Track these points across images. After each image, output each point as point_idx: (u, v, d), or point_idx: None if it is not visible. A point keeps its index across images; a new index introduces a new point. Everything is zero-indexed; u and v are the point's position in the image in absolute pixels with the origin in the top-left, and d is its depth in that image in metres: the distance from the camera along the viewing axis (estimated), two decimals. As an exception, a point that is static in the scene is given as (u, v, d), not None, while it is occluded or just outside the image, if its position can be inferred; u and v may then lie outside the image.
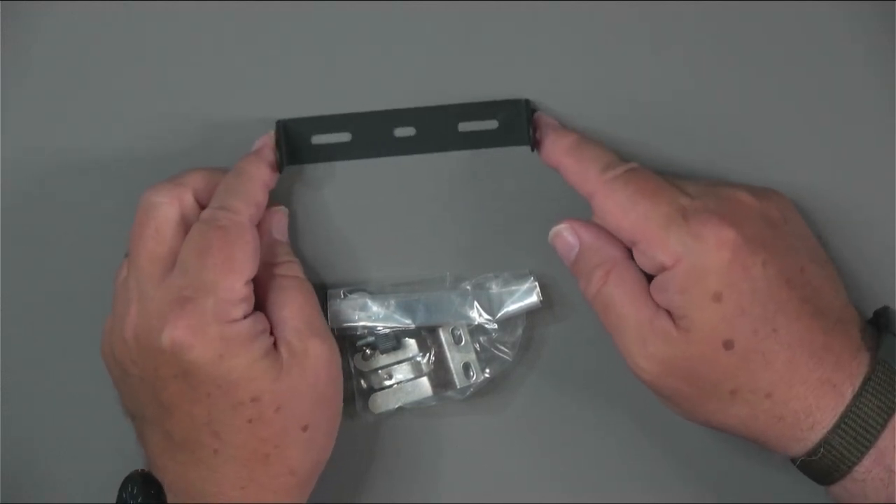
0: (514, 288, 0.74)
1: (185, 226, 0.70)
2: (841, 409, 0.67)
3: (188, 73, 0.76)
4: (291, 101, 0.75)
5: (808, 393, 0.67)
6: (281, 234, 0.74)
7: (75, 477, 0.76)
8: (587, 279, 0.70)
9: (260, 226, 0.71)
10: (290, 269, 0.72)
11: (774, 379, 0.67)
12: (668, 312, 0.68)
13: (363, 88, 0.75)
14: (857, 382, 0.67)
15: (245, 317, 0.68)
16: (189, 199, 0.71)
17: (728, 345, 0.67)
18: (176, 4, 0.75)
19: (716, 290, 0.66)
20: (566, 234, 0.71)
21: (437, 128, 0.75)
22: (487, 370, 0.75)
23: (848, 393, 0.67)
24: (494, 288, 0.75)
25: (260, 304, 0.70)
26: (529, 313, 0.75)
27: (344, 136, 0.76)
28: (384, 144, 0.76)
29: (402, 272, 0.76)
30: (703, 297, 0.67)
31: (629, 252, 0.70)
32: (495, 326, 0.75)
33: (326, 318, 0.73)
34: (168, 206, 0.70)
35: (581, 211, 0.73)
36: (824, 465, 0.67)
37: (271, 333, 0.70)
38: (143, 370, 0.69)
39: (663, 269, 0.67)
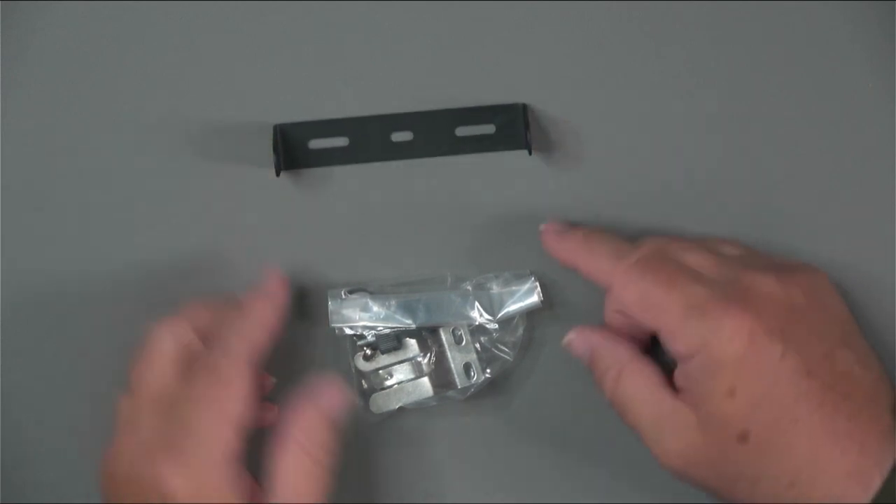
0: (514, 288, 0.74)
1: (184, 362, 0.69)
2: (870, 495, 0.65)
3: (185, 77, 0.76)
4: (288, 105, 0.75)
5: (833, 485, 0.65)
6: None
7: (75, 477, 0.76)
8: (603, 381, 0.71)
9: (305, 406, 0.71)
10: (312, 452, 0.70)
11: (796, 468, 0.66)
12: (687, 401, 0.68)
13: (360, 93, 0.75)
14: (886, 468, 0.65)
15: (231, 462, 0.68)
16: (188, 336, 0.70)
17: (743, 438, 0.66)
18: (174, 8, 0.75)
19: (730, 385, 0.66)
20: (577, 343, 0.72)
21: (435, 132, 0.75)
22: (488, 370, 0.75)
23: (875, 482, 0.65)
24: (495, 288, 0.75)
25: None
26: (530, 313, 0.75)
27: (341, 141, 0.76)
28: (381, 149, 0.76)
29: (400, 277, 0.76)
30: (717, 391, 0.66)
31: (642, 346, 0.71)
32: (496, 326, 0.75)
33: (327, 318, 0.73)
34: (168, 343, 0.70)
35: (581, 212, 0.73)
36: None
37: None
38: (134, 499, 0.68)
39: (680, 357, 0.68)
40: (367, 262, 0.76)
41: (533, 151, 0.74)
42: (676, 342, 0.67)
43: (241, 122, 0.75)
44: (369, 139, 0.75)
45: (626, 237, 0.72)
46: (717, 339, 0.66)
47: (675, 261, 0.70)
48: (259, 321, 0.71)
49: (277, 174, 0.74)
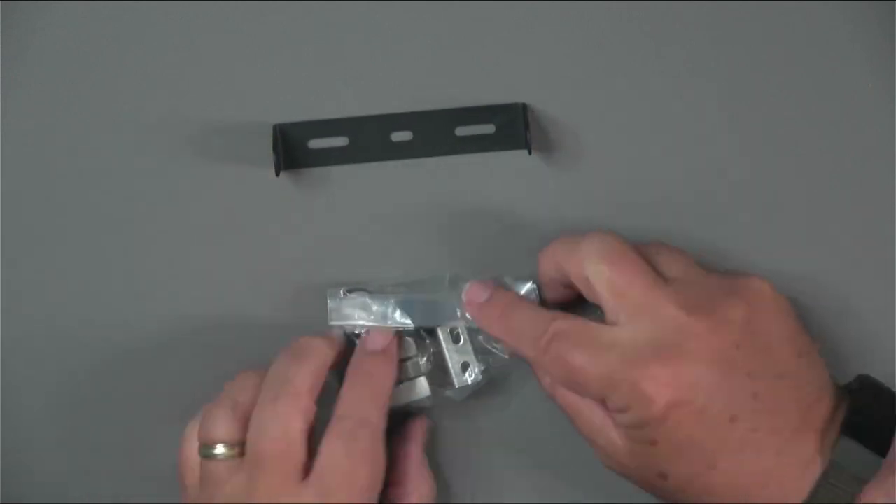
0: (513, 290, 0.74)
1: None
2: None
3: (185, 76, 0.76)
4: (288, 105, 0.75)
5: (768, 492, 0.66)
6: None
7: (75, 477, 0.76)
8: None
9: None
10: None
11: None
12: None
13: (360, 93, 0.76)
14: (813, 480, 0.66)
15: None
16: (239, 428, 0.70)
17: (663, 476, 0.67)
18: (174, 8, 0.75)
19: (651, 438, 0.67)
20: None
21: (435, 132, 0.75)
22: (485, 370, 0.75)
23: (805, 489, 0.66)
24: None
25: None
26: None
27: (341, 141, 0.76)
28: (381, 149, 0.76)
29: (400, 277, 0.76)
30: (640, 440, 0.67)
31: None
32: None
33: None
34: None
35: (580, 212, 0.73)
36: None
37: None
38: None
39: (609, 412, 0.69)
40: (367, 261, 0.76)
41: (533, 151, 0.74)
42: (607, 403, 0.68)
43: (241, 122, 0.75)
44: (369, 139, 0.76)
45: (625, 237, 0.72)
46: (637, 404, 0.66)
47: (589, 326, 0.69)
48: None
49: (277, 174, 0.74)
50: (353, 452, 0.68)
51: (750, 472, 0.66)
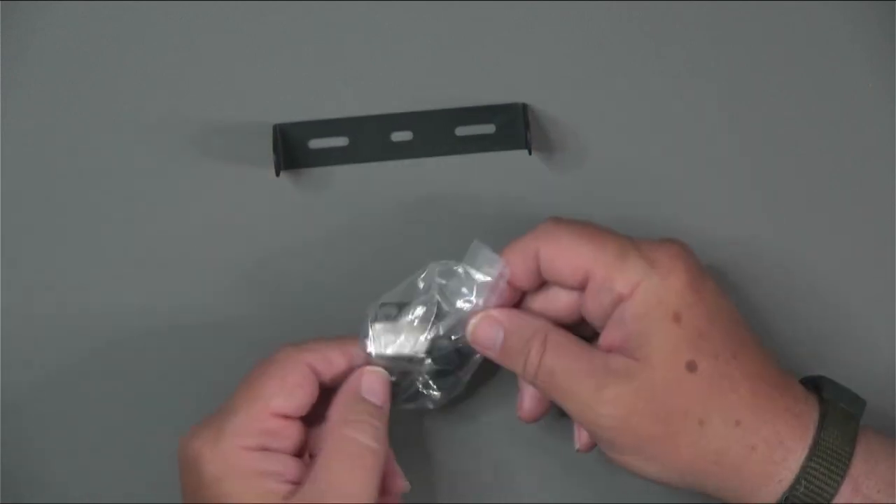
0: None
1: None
2: (809, 439, 0.67)
3: (186, 76, 0.76)
4: (288, 105, 0.75)
5: (776, 419, 0.67)
6: (372, 395, 0.69)
7: (75, 477, 0.76)
8: (524, 357, 0.69)
9: (349, 382, 0.70)
10: (355, 431, 0.68)
11: (742, 405, 0.67)
12: (622, 352, 0.67)
13: (360, 93, 0.75)
14: (816, 416, 0.68)
15: (262, 449, 0.67)
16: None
17: (691, 366, 0.66)
18: (174, 8, 0.75)
19: (675, 311, 0.66)
20: (485, 325, 0.70)
21: (435, 132, 0.75)
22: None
23: (811, 424, 0.67)
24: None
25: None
26: None
27: (341, 141, 0.76)
28: (381, 149, 0.76)
29: (400, 277, 0.75)
30: (663, 318, 0.66)
31: (554, 323, 0.70)
32: None
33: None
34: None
35: (580, 212, 0.73)
36: (805, 500, 0.66)
37: (295, 482, 0.67)
38: (183, 477, 0.68)
39: (620, 300, 0.67)
40: (367, 261, 0.76)
41: (533, 151, 0.74)
42: (616, 282, 0.67)
43: (241, 122, 0.75)
44: (369, 139, 0.76)
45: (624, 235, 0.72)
46: (656, 269, 0.67)
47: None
48: (333, 341, 0.70)
49: (277, 174, 0.74)
50: (261, 372, 0.68)
51: (764, 373, 0.68)
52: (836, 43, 0.75)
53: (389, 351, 0.70)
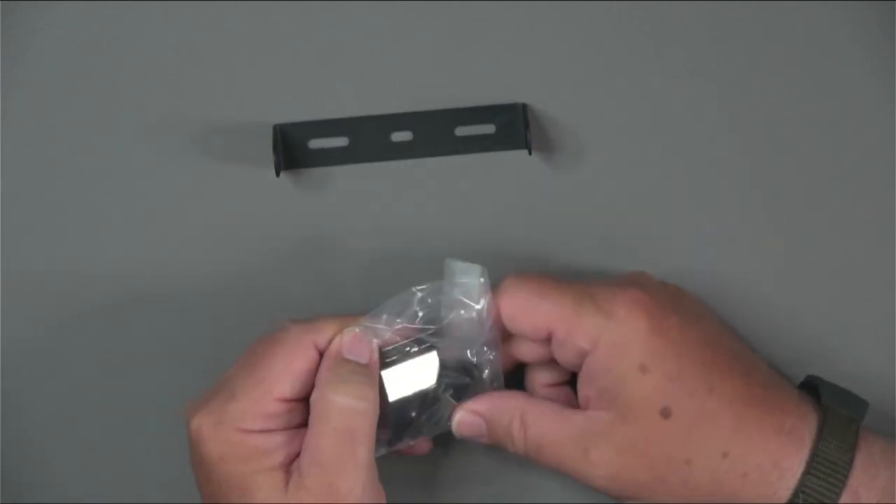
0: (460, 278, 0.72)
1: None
2: (805, 453, 0.67)
3: (185, 77, 0.76)
4: (288, 105, 0.75)
5: (768, 442, 0.67)
6: (354, 354, 0.69)
7: (75, 477, 0.76)
8: (509, 439, 0.70)
9: (329, 348, 0.69)
10: (337, 393, 0.67)
11: (726, 437, 0.67)
12: (600, 405, 0.67)
13: (360, 93, 0.75)
14: (813, 426, 0.67)
15: (264, 431, 0.67)
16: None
17: (665, 413, 0.66)
18: (174, 8, 0.75)
19: (640, 362, 0.66)
20: (466, 417, 0.70)
21: (435, 132, 0.75)
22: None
23: (806, 436, 0.67)
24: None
25: None
26: None
27: (341, 141, 0.76)
28: (381, 149, 0.76)
29: (400, 277, 0.75)
30: (628, 370, 0.67)
31: (528, 395, 0.70)
32: None
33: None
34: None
35: (581, 213, 0.73)
36: None
37: (296, 454, 0.68)
38: (190, 455, 0.69)
39: (584, 354, 0.67)
40: (367, 261, 0.76)
41: (533, 151, 0.74)
42: (576, 337, 0.67)
43: (241, 122, 0.75)
44: (369, 139, 0.75)
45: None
46: (615, 320, 0.66)
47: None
48: (328, 318, 0.70)
49: (277, 174, 0.74)
50: (258, 346, 0.69)
51: (747, 396, 0.67)
52: (836, 43, 0.75)
53: (408, 392, 0.71)
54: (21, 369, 0.77)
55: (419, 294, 0.71)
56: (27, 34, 0.76)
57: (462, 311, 0.70)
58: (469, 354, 0.71)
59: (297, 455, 0.67)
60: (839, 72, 0.75)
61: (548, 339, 0.69)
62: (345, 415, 0.67)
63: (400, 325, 0.70)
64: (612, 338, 0.66)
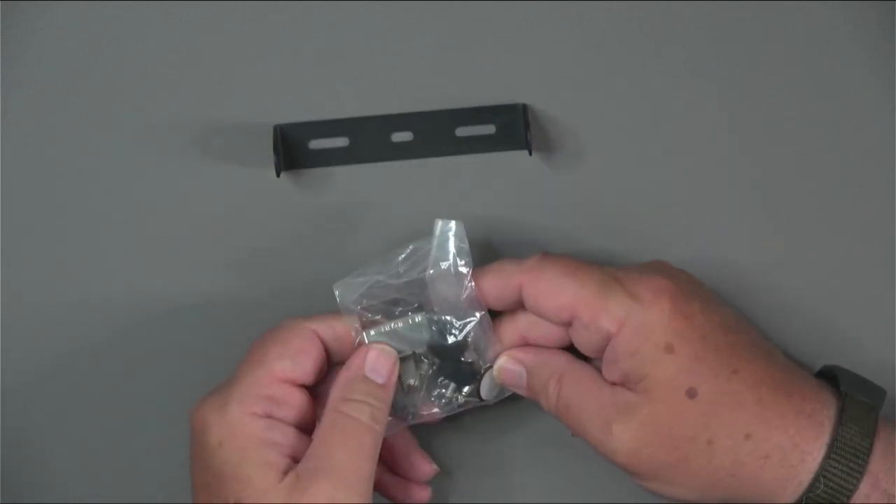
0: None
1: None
2: (825, 437, 0.67)
3: (186, 77, 0.76)
4: (288, 105, 0.75)
5: (788, 425, 0.67)
6: (376, 374, 0.69)
7: (75, 477, 0.77)
8: (544, 394, 0.71)
9: (353, 358, 0.70)
10: (353, 409, 0.68)
11: (748, 418, 0.67)
12: (625, 386, 0.68)
13: (360, 93, 0.75)
14: (832, 412, 0.68)
15: (266, 416, 0.67)
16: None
17: (691, 393, 0.67)
18: (174, 8, 0.75)
19: (666, 342, 0.67)
20: (509, 365, 0.71)
21: (435, 133, 0.75)
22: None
23: (826, 422, 0.67)
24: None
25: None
26: None
27: (341, 141, 0.76)
28: (382, 149, 0.76)
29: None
30: (654, 352, 0.67)
31: (572, 356, 0.71)
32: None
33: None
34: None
35: (581, 213, 0.73)
36: (824, 498, 0.67)
37: (295, 458, 0.68)
38: (193, 446, 0.69)
39: (609, 337, 0.68)
40: (368, 262, 0.76)
41: (533, 152, 0.74)
42: (601, 320, 0.68)
43: (241, 122, 0.75)
44: (369, 139, 0.76)
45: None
46: (640, 303, 0.67)
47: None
48: (340, 317, 0.71)
49: (277, 174, 0.74)
50: (269, 340, 0.69)
51: (769, 378, 0.68)
52: (836, 43, 0.75)
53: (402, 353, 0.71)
54: (21, 369, 0.76)
55: (401, 255, 0.71)
56: (27, 34, 0.76)
57: (442, 265, 0.71)
58: (454, 318, 0.71)
59: (294, 458, 0.67)
60: (839, 72, 0.76)
61: (568, 322, 0.69)
62: (360, 431, 0.68)
63: (381, 284, 0.71)
64: (639, 320, 0.67)
